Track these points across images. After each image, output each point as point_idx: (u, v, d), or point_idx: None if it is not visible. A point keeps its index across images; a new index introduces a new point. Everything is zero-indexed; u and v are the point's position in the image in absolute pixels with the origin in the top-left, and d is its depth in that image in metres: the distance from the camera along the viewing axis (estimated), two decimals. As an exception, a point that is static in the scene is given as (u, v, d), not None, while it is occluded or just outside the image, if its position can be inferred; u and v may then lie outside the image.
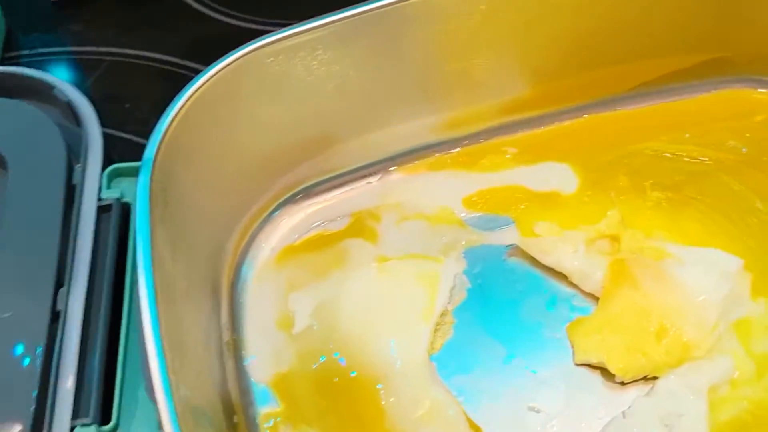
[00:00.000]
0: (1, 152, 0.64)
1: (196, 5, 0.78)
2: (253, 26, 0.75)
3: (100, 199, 0.64)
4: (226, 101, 0.51)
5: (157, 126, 0.48)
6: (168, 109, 0.48)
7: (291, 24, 0.52)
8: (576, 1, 0.55)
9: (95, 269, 0.60)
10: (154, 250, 0.44)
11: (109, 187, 0.65)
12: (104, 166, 0.66)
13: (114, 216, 0.63)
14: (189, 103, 0.49)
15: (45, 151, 0.65)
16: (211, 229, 0.55)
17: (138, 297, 0.43)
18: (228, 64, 0.50)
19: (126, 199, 0.64)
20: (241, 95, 0.52)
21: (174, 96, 0.50)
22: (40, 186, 0.63)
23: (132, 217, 0.63)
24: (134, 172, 0.64)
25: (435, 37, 0.54)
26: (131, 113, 0.73)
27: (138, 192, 0.45)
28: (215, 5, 0.78)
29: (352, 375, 0.53)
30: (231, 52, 0.50)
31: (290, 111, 0.55)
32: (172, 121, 0.48)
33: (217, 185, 0.54)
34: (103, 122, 0.67)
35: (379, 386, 0.52)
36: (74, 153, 0.66)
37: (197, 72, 0.51)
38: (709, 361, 0.50)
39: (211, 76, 0.50)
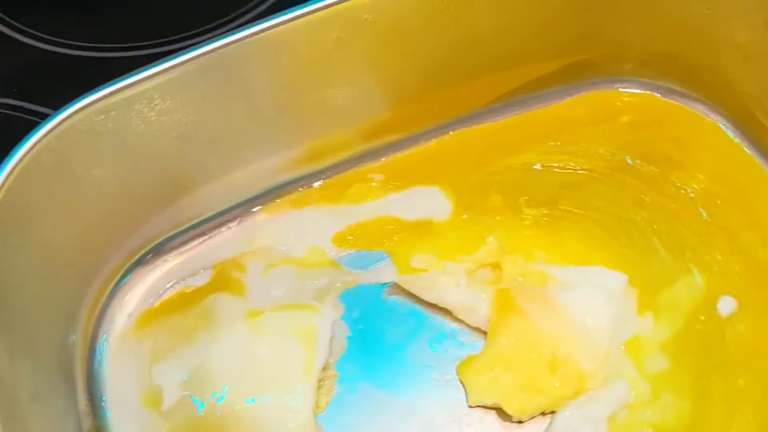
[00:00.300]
0: None
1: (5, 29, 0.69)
2: (75, 53, 0.66)
3: None
4: (55, 170, 0.45)
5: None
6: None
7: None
8: (426, 20, 0.51)
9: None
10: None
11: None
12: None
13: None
14: (11, 178, 0.43)
15: None
16: (55, 309, 0.48)
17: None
18: (51, 129, 0.44)
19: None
20: (71, 160, 0.46)
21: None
22: None
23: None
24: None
25: (283, 71, 0.50)
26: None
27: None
28: (27, 29, 0.68)
29: (236, 447, 0.49)
30: (52, 116, 0.44)
31: (132, 167, 0.49)
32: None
33: (55, 260, 0.48)
34: None
35: (267, 459, 0.48)
36: None
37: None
38: (605, 389, 0.49)
39: (33, 145, 0.43)
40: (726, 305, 0.52)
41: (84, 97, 0.44)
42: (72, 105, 0.44)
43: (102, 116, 0.45)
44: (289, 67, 0.50)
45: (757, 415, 0.48)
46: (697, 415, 0.48)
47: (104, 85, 0.45)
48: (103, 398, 0.51)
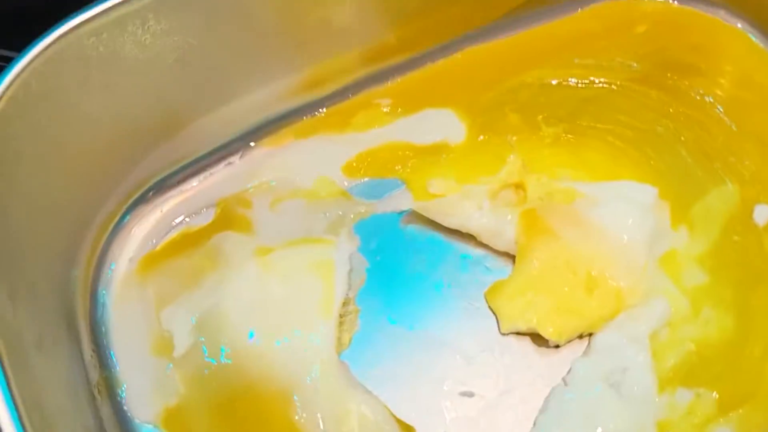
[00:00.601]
0: None
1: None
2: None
3: None
4: (44, 99, 0.41)
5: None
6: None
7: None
8: None
9: None
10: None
11: None
12: None
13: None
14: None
15: None
16: (53, 257, 0.45)
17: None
18: (39, 53, 0.40)
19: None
20: (61, 88, 0.42)
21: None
22: None
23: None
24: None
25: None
26: None
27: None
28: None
29: (256, 391, 0.46)
30: (39, 38, 0.40)
31: (126, 97, 0.45)
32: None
33: (49, 203, 0.44)
34: None
35: (295, 398, 0.45)
36: None
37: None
38: (644, 307, 0.46)
39: (21, 71, 0.39)
40: (762, 214, 0.49)
41: (72, 17, 0.40)
42: (60, 26, 0.40)
43: (93, 39, 0.41)
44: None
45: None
46: (741, 329, 0.46)
47: (94, 3, 0.41)
48: (109, 349, 0.48)
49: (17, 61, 0.40)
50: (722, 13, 0.56)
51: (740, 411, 0.44)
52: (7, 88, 0.39)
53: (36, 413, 0.36)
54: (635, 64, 0.55)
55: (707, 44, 0.56)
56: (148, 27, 0.43)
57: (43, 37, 0.40)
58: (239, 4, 0.46)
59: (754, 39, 0.55)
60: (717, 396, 0.45)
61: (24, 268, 0.41)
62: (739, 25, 0.56)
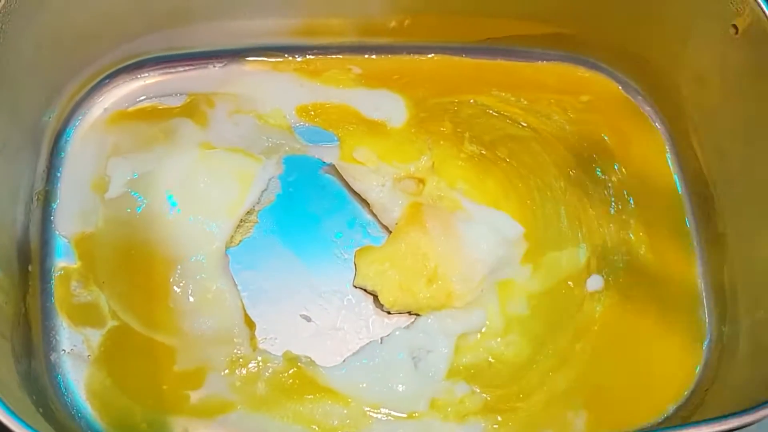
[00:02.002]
0: None
1: None
2: None
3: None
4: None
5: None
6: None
7: None
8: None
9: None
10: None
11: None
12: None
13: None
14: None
15: None
16: (43, 85, 0.55)
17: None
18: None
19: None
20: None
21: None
22: None
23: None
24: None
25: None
26: None
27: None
28: None
29: (152, 248, 0.57)
30: None
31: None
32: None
33: (56, 45, 0.54)
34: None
35: (174, 265, 0.56)
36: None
37: None
38: (465, 312, 0.57)
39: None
40: (594, 283, 0.59)
41: None
42: None
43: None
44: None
45: (579, 373, 0.57)
46: (531, 359, 0.57)
47: None
48: (60, 170, 0.59)
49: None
50: (651, 112, 0.65)
51: (498, 416, 0.55)
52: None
53: None
54: (566, 126, 0.64)
55: (629, 134, 0.65)
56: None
57: None
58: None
59: (665, 147, 0.64)
60: (487, 398, 0.55)
61: (13, 87, 0.51)
62: (660, 129, 0.65)
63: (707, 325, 0.58)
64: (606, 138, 0.64)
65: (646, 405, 0.56)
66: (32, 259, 0.55)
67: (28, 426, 0.40)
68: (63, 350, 0.54)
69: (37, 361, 0.52)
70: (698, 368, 0.57)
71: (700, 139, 0.61)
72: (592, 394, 0.56)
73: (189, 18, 0.59)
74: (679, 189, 0.63)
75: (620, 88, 0.66)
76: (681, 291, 0.60)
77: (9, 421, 0.40)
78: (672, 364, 0.58)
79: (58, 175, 0.58)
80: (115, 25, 0.58)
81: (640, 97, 0.65)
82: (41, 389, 0.51)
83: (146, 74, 0.62)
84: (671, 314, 0.59)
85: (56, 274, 0.56)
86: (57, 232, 0.57)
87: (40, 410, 0.48)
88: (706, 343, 0.58)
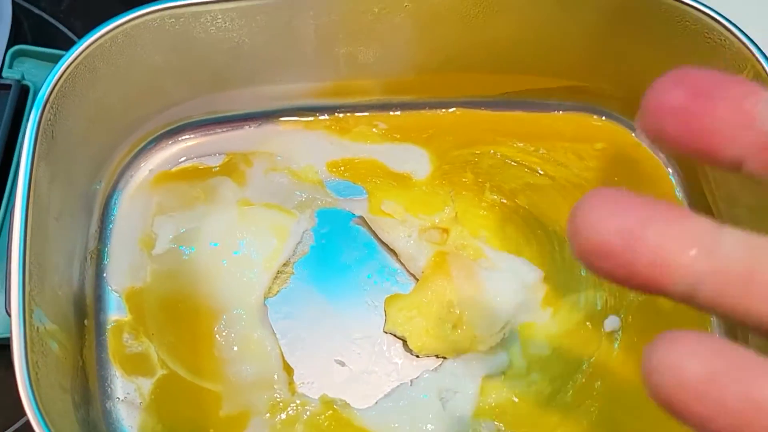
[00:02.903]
0: None
1: None
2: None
3: (0, 77, 0.68)
4: (125, 48, 0.56)
5: (54, 68, 0.53)
6: (66, 54, 0.53)
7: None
8: (458, 19, 0.61)
9: (-16, 146, 0.66)
10: (32, 185, 0.50)
11: (11, 66, 0.70)
12: (9, 44, 0.70)
13: (12, 95, 0.68)
14: (85, 52, 0.54)
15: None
16: (94, 155, 0.60)
17: (11, 224, 0.49)
18: (131, 19, 0.55)
19: (26, 81, 0.69)
20: (139, 44, 0.56)
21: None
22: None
23: (29, 100, 0.68)
24: (38, 56, 0.70)
25: (326, 25, 0.60)
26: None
27: (28, 130, 0.51)
28: None
29: (196, 301, 0.61)
30: (137, 8, 0.55)
31: (184, 60, 0.60)
32: (69, 65, 0.53)
33: (105, 119, 0.59)
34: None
35: (219, 316, 0.61)
36: (-22, 25, 0.69)
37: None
38: (490, 355, 0.61)
39: (115, 27, 0.54)
40: (612, 323, 0.63)
41: (160, 2, 0.55)
42: (152, 5, 0.55)
43: (172, 20, 0.56)
44: (333, 23, 0.60)
45: (598, 411, 0.60)
46: (552, 398, 0.60)
47: (184, -2, 0.56)
48: (110, 229, 0.63)
49: (116, 19, 0.55)
50: (663, 158, 0.69)
51: (523, 453, 0.59)
52: (100, 37, 0.54)
53: (37, 267, 0.51)
54: (582, 172, 0.68)
55: (642, 181, 0.68)
56: (216, 22, 0.57)
57: (140, 8, 0.55)
58: (289, 27, 0.59)
59: (678, 194, 0.68)
60: (511, 436, 0.59)
61: (68, 160, 0.56)
62: (672, 175, 0.68)
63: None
64: (620, 183, 0.68)
65: (664, 440, 0.59)
66: (87, 314, 0.60)
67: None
68: (117, 398, 0.58)
69: (94, 410, 0.57)
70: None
71: (710, 187, 0.64)
72: (613, 430, 0.59)
73: (227, 85, 0.64)
74: (691, 231, 0.66)
75: (632, 135, 0.69)
76: (695, 327, 0.63)
77: None
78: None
79: (109, 234, 0.63)
80: (160, 95, 0.63)
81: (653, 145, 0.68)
82: (99, 436, 0.55)
83: (187, 136, 0.67)
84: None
85: (109, 327, 0.60)
86: (109, 288, 0.62)
87: (100, 456, 0.52)
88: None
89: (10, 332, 0.48)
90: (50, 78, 0.52)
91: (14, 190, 0.62)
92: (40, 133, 0.51)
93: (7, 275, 0.49)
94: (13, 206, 0.51)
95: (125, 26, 0.55)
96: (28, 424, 0.57)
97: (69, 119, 0.55)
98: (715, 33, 0.58)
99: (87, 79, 0.55)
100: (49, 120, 0.52)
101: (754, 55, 0.57)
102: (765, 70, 0.57)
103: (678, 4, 0.59)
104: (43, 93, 0.52)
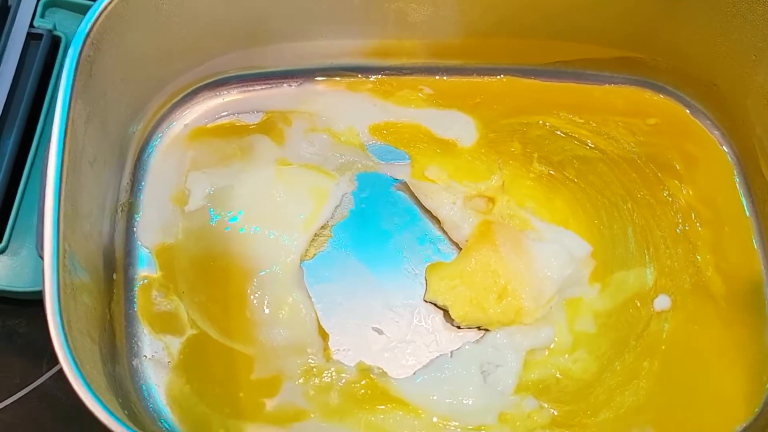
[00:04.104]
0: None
1: None
2: None
3: (32, 27, 0.66)
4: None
5: (96, 3, 0.51)
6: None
7: None
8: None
9: (14, 93, 0.64)
10: (69, 122, 0.48)
11: (42, 16, 0.67)
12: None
13: (43, 46, 0.66)
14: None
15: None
16: (129, 101, 0.58)
17: (46, 164, 0.47)
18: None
19: (57, 32, 0.67)
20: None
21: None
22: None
23: (60, 51, 0.66)
24: (70, 6, 0.67)
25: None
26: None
27: (66, 64, 0.48)
28: None
29: (230, 261, 0.59)
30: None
31: (228, 6, 0.58)
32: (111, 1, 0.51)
33: (143, 63, 0.57)
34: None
35: (251, 277, 0.58)
36: (12, -28, 0.67)
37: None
38: (534, 329, 0.58)
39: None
40: (662, 302, 0.60)
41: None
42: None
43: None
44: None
45: (646, 391, 0.57)
46: (598, 376, 0.58)
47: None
48: (142, 183, 0.61)
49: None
50: (719, 135, 0.66)
51: (565, 431, 0.56)
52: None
53: (71, 217, 0.48)
54: (634, 147, 0.65)
55: (696, 156, 0.65)
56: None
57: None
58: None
59: (732, 169, 0.65)
60: (555, 414, 0.56)
61: (104, 103, 0.54)
62: (727, 152, 0.66)
63: (776, 345, 0.59)
64: (673, 161, 0.65)
65: (712, 424, 0.57)
66: (117, 268, 0.57)
67: (124, 424, 0.42)
68: (145, 356, 0.56)
69: (121, 366, 0.54)
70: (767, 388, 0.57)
71: (768, 161, 0.62)
72: (659, 412, 0.57)
73: (267, 39, 0.62)
74: (747, 212, 0.63)
75: (687, 111, 0.67)
76: (748, 311, 0.60)
77: (107, 419, 0.42)
78: (740, 383, 0.58)
79: (141, 188, 0.61)
80: (197, 46, 0.60)
81: (708, 121, 0.66)
82: (125, 393, 0.53)
83: (226, 92, 0.64)
84: (739, 334, 0.59)
85: (138, 283, 0.58)
86: (139, 243, 0.59)
87: (125, 412, 0.49)
88: (774, 364, 0.58)
89: (42, 273, 0.45)
90: (92, 12, 0.50)
91: (42, 141, 0.61)
92: (79, 68, 0.49)
93: (39, 216, 0.47)
94: (46, 152, 0.48)
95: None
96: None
97: (108, 58, 0.53)
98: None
99: (128, 20, 0.53)
100: (89, 56, 0.50)
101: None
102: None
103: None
104: (85, 26, 0.50)
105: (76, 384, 0.44)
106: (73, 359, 0.43)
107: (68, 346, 0.43)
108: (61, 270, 0.46)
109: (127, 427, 0.43)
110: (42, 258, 0.46)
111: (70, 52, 0.49)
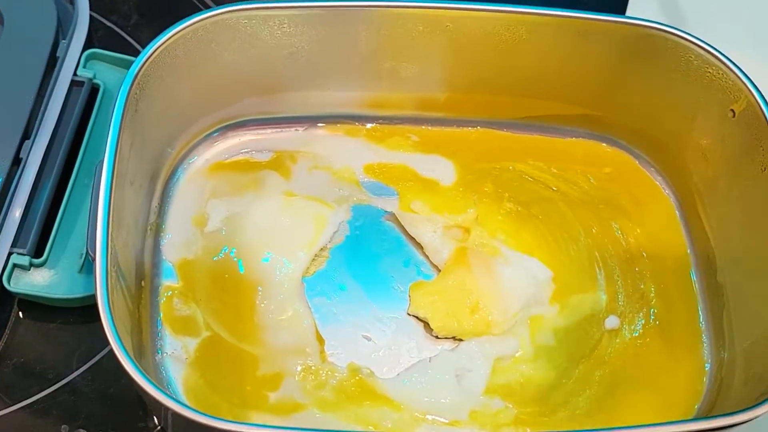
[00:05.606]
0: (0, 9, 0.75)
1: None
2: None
3: (75, 75, 0.76)
4: (201, 44, 0.64)
5: (144, 50, 0.61)
6: (155, 39, 0.61)
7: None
8: (492, 44, 0.69)
9: (58, 131, 0.74)
10: (117, 147, 0.58)
11: (84, 66, 0.77)
12: (84, 48, 0.78)
13: (84, 92, 0.76)
14: (174, 38, 0.62)
15: (39, 20, 0.76)
16: (163, 136, 0.68)
17: (98, 179, 0.56)
18: (211, 17, 0.63)
19: (96, 81, 0.77)
20: (214, 41, 0.65)
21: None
22: (29, 49, 0.75)
23: (98, 97, 0.76)
24: (108, 59, 0.78)
25: (376, 39, 0.68)
26: (118, 5, 0.85)
27: (118, 98, 0.59)
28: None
29: (241, 274, 0.68)
30: (216, 7, 0.63)
31: (249, 61, 0.68)
32: (156, 49, 0.61)
33: (177, 105, 0.67)
34: (92, 6, 0.79)
35: (259, 288, 0.68)
36: (63, 28, 0.78)
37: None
38: (501, 339, 0.67)
39: (195, 22, 0.63)
40: (612, 322, 0.69)
41: (240, 4, 0.64)
42: (230, 6, 0.64)
43: (245, 21, 0.64)
44: (382, 38, 0.68)
45: (597, 396, 0.66)
46: (556, 382, 0.66)
47: (256, 1, 0.64)
48: (169, 206, 0.70)
49: (196, 16, 0.63)
50: (663, 183, 0.76)
51: (527, 429, 0.65)
52: (185, 28, 0.63)
53: (115, 224, 0.57)
54: (590, 191, 0.75)
55: (643, 199, 0.75)
56: (282, 27, 0.65)
57: (219, 8, 0.64)
58: (347, 39, 0.67)
59: (675, 212, 0.75)
60: (518, 413, 0.65)
61: (144, 135, 0.63)
62: (669, 196, 0.76)
63: (709, 357, 0.68)
64: (624, 203, 0.75)
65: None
66: (145, 277, 0.66)
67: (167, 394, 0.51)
68: (166, 353, 0.64)
69: (145, 359, 0.63)
70: (703, 392, 0.66)
71: (704, 207, 0.72)
72: (609, 413, 0.65)
73: (279, 89, 0.72)
74: (687, 248, 0.73)
75: (637, 162, 0.77)
76: (685, 332, 0.70)
77: (164, 399, 0.51)
78: (679, 391, 0.67)
79: (167, 210, 0.70)
80: (221, 92, 0.70)
81: (653, 169, 0.76)
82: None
83: (242, 133, 0.74)
84: (677, 349, 0.68)
85: (163, 291, 0.67)
86: (164, 258, 0.68)
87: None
88: (707, 371, 0.67)
89: (94, 266, 0.54)
90: (141, 56, 0.60)
91: (80, 175, 0.70)
92: (127, 104, 0.59)
93: (92, 222, 0.56)
94: (98, 169, 0.58)
95: (206, 21, 0.63)
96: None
97: (149, 98, 0.63)
98: (714, 67, 0.67)
99: (168, 65, 0.63)
100: (136, 94, 0.60)
101: (747, 87, 0.65)
102: (757, 102, 0.65)
103: (682, 40, 0.67)
104: (134, 69, 0.60)
105: (128, 367, 0.51)
106: (123, 347, 0.52)
107: (117, 334, 0.52)
108: (109, 267, 0.55)
109: (183, 404, 0.51)
110: (93, 259, 0.56)
111: (122, 88, 0.59)
